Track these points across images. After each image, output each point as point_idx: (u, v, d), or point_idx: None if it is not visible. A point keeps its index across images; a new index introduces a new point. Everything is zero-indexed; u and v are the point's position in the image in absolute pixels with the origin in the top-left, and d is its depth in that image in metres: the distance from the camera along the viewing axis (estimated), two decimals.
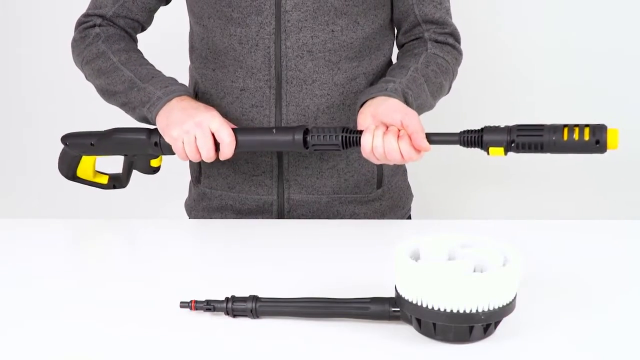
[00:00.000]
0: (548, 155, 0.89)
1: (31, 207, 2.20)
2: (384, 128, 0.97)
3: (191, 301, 0.81)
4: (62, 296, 0.88)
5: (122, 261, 1.03)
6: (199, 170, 1.24)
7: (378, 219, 1.21)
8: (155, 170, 1.15)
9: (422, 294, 0.72)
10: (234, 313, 0.80)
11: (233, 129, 1.04)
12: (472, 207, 2.13)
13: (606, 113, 2.05)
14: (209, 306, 0.81)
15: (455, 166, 2.11)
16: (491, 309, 0.72)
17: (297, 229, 1.11)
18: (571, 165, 2.08)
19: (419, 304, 0.73)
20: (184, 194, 1.33)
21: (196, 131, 1.02)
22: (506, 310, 0.73)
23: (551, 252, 0.98)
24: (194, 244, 1.13)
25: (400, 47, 1.21)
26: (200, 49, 1.16)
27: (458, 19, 1.21)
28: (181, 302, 0.81)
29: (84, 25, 1.19)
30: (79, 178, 1.19)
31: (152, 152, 1.10)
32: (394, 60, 1.23)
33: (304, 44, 1.09)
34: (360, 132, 0.99)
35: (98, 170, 1.20)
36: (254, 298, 0.80)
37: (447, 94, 1.18)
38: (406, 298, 0.74)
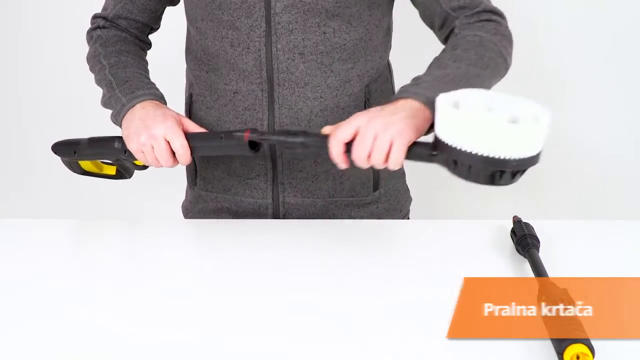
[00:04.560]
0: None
1: (31, 207, 2.20)
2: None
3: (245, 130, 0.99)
4: (61, 296, 0.88)
5: (121, 261, 1.03)
6: (194, 172, 1.23)
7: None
8: (143, 167, 1.15)
9: (461, 138, 0.79)
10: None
11: (188, 135, 1.03)
12: (472, 208, 2.13)
13: (606, 113, 2.06)
14: (263, 137, 0.97)
15: None
16: (522, 157, 0.78)
17: (294, 229, 1.11)
18: (571, 165, 2.08)
19: (459, 147, 0.79)
20: (183, 195, 1.33)
21: (152, 143, 1.02)
22: (534, 160, 0.80)
23: (551, 252, 0.98)
24: (193, 244, 1.13)
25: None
26: (195, 51, 1.16)
27: None
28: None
29: (92, 26, 1.22)
30: (88, 172, 1.21)
31: (124, 158, 1.11)
32: (393, 60, 1.23)
33: (295, 47, 1.08)
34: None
35: (104, 161, 1.21)
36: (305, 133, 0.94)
37: (507, 63, 1.06)
38: (446, 142, 0.81)
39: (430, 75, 0.98)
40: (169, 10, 1.25)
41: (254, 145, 1.03)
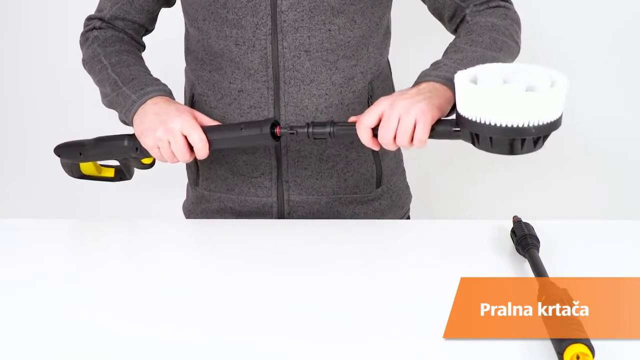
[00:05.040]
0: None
1: (31, 207, 2.20)
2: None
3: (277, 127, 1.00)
4: (61, 296, 0.88)
5: (122, 261, 1.03)
6: (196, 172, 1.23)
7: (378, 218, 1.21)
8: (150, 165, 1.15)
9: (480, 111, 0.83)
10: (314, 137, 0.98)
11: (205, 128, 1.03)
12: (471, 207, 2.13)
13: (606, 113, 2.06)
14: (292, 131, 0.99)
15: (454, 167, 2.11)
16: (541, 124, 0.81)
17: (297, 229, 1.11)
18: (571, 165, 2.08)
19: (478, 120, 0.83)
20: (183, 196, 1.33)
21: (169, 137, 1.02)
22: (554, 125, 0.83)
23: (551, 252, 0.98)
24: (193, 244, 1.13)
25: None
26: (197, 51, 1.16)
27: None
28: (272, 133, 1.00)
29: (86, 27, 1.21)
30: (86, 175, 1.20)
31: (135, 156, 1.10)
32: (392, 59, 1.23)
33: (300, 44, 1.08)
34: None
35: (103, 164, 1.20)
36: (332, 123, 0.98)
37: (518, 46, 1.11)
38: (467, 117, 0.85)
39: (449, 59, 1.02)
40: (167, 11, 1.25)
41: (274, 135, 1.03)
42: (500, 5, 1.11)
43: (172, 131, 1.02)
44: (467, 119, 0.86)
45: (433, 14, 1.17)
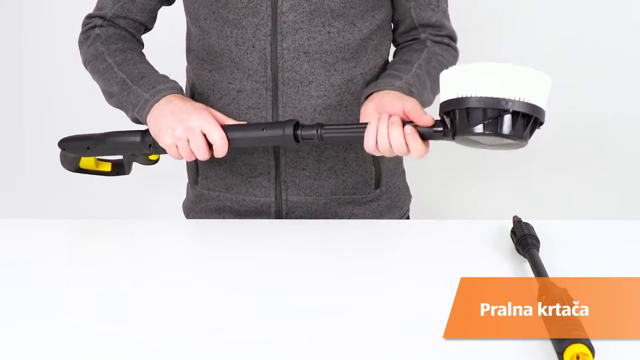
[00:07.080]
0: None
1: (31, 207, 2.20)
2: (387, 118, 0.95)
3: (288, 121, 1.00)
4: (61, 296, 0.88)
5: (121, 261, 1.03)
6: (196, 171, 1.23)
7: (376, 219, 1.21)
8: (155, 161, 1.15)
9: (463, 87, 0.85)
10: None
11: (225, 127, 1.03)
12: (471, 207, 2.13)
13: (606, 113, 2.06)
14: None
15: (454, 167, 2.11)
16: (517, 99, 0.82)
17: (296, 229, 1.11)
18: (571, 165, 2.08)
19: (462, 95, 0.85)
20: (183, 194, 1.33)
21: (188, 136, 1.02)
22: (534, 108, 0.83)
23: (551, 252, 0.98)
24: (193, 244, 1.13)
25: (396, 45, 1.22)
26: (197, 51, 1.16)
27: (455, 20, 1.21)
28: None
29: (87, 26, 1.20)
30: (83, 169, 1.20)
31: (147, 153, 1.10)
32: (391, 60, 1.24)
33: (300, 46, 1.09)
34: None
35: (100, 158, 1.20)
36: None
37: None
38: (452, 97, 0.86)
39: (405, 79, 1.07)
40: (170, 10, 1.25)
41: (295, 136, 1.02)
42: (451, 46, 1.18)
43: (192, 129, 1.01)
44: (452, 100, 0.87)
45: (392, 20, 1.20)
